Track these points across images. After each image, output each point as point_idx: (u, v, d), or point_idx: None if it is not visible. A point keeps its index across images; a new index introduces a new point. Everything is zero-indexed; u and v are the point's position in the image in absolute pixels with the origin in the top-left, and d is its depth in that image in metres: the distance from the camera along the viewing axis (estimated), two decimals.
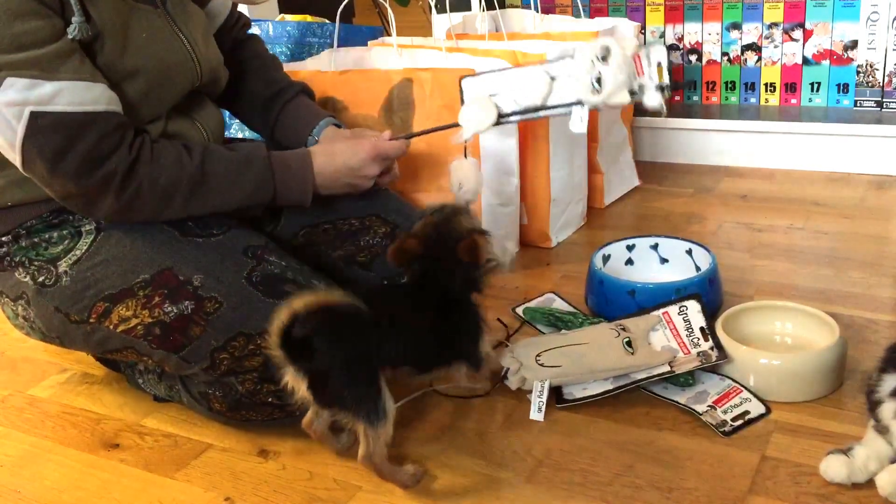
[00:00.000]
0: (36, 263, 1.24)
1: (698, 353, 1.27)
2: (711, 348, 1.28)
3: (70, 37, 1.11)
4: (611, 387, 1.26)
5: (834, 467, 1.06)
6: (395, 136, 1.41)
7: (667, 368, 1.25)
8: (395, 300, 1.21)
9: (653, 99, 1.28)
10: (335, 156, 1.33)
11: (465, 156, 1.39)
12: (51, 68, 1.09)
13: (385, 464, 1.10)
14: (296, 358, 1.05)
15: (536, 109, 1.33)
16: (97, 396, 1.44)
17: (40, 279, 1.23)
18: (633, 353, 1.27)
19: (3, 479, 1.24)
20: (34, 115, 1.09)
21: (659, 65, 1.26)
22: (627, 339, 1.28)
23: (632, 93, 1.28)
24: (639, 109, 2.38)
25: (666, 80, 1.27)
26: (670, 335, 1.33)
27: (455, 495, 1.12)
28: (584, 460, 1.16)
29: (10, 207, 1.24)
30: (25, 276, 1.24)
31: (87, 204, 1.18)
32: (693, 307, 1.35)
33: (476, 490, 1.13)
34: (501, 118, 1.36)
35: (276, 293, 1.19)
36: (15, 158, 1.13)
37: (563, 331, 1.44)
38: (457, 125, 1.40)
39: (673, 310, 1.36)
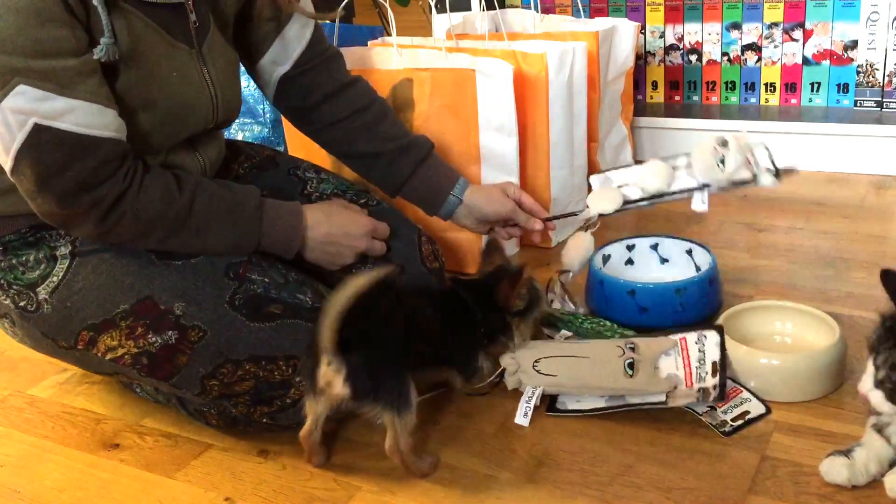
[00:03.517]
0: (15, 288, 1.21)
1: (699, 389, 1.23)
2: (714, 387, 1.22)
3: (96, 56, 1.07)
4: (604, 405, 1.25)
5: (835, 469, 1.06)
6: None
7: (661, 399, 1.22)
8: (421, 303, 1.25)
9: (767, 180, 1.44)
10: (332, 216, 1.29)
11: (585, 230, 1.53)
12: (68, 84, 1.04)
13: (409, 454, 1.12)
14: (342, 350, 1.06)
15: (661, 195, 1.47)
16: (97, 396, 1.44)
17: (21, 304, 1.21)
18: (631, 377, 1.24)
19: (3, 479, 1.24)
20: (37, 128, 1.03)
21: (767, 150, 1.45)
22: (630, 361, 1.25)
23: (752, 178, 1.44)
24: (639, 109, 2.40)
25: (776, 164, 1.45)
26: (680, 363, 1.27)
27: (455, 495, 1.12)
28: (584, 460, 1.16)
29: None
30: (6, 299, 1.22)
31: (66, 224, 1.15)
32: (712, 338, 1.28)
33: (476, 490, 1.12)
34: (627, 203, 1.48)
35: (260, 316, 1.18)
36: (5, 162, 1.07)
37: (578, 340, 1.41)
38: (574, 214, 1.60)
39: (691, 337, 1.29)
